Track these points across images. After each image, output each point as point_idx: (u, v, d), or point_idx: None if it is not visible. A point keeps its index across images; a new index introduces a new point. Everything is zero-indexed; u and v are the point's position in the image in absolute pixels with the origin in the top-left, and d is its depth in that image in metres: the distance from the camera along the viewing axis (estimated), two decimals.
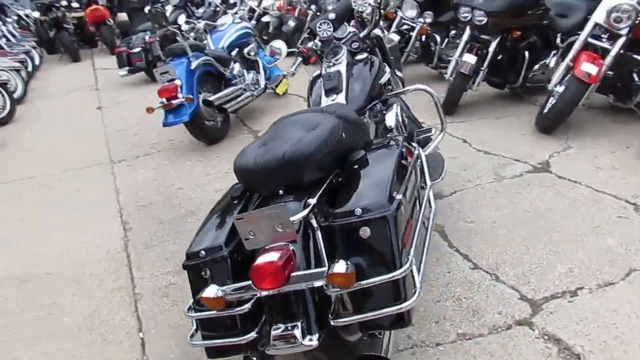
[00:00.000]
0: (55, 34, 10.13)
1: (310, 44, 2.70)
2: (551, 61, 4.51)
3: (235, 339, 1.60)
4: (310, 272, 1.49)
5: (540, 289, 2.26)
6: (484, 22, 4.36)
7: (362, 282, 1.46)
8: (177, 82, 4.12)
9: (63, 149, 4.96)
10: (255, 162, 1.68)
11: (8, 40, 8.72)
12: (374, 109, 2.60)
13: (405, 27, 5.71)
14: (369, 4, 2.71)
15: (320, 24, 2.66)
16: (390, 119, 2.50)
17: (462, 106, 4.74)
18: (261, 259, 1.50)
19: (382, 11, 2.84)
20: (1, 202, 3.91)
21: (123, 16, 11.22)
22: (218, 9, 11.62)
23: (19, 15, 11.75)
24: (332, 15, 2.73)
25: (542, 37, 4.64)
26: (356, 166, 1.75)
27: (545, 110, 3.93)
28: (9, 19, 9.72)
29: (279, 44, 3.05)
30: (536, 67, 4.61)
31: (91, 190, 3.89)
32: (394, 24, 5.72)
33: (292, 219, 1.54)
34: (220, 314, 1.60)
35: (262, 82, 5.10)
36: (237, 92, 4.61)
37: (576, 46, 3.82)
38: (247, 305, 1.58)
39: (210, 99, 4.22)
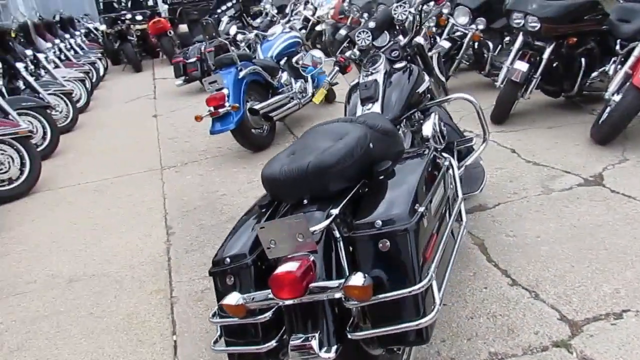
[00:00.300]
0: (120, 45, 10.67)
1: (348, 53, 2.70)
2: (610, 69, 4.27)
3: (255, 347, 1.62)
4: (328, 284, 1.48)
5: (582, 309, 2.13)
6: (537, 29, 4.21)
7: (380, 296, 1.43)
8: (225, 91, 4.22)
9: (118, 155, 5.20)
10: (280, 172, 1.69)
11: (76, 52, 9.26)
12: (411, 118, 2.56)
13: (457, 34, 5.62)
14: (410, 13, 2.68)
15: (359, 32, 2.66)
16: (427, 129, 2.45)
17: (514, 115, 4.59)
18: (280, 269, 1.51)
19: (422, 19, 2.80)
20: (57, 205, 4.13)
21: (184, 28, 11.69)
22: (275, 19, 11.89)
23: (88, 29, 12.48)
24: (372, 24, 2.72)
25: (600, 44, 4.41)
26: (381, 177, 1.73)
27: (601, 120, 3.74)
28: (77, 32, 10.32)
29: (318, 53, 3.07)
30: (594, 74, 4.39)
31: (140, 195, 4.04)
32: (446, 31, 5.63)
33: (312, 229, 1.54)
34: (242, 321, 1.62)
35: (310, 90, 5.14)
36: (283, 101, 4.67)
37: (636, 53, 3.62)
38: (268, 314, 1.59)
39: (256, 107, 4.30)
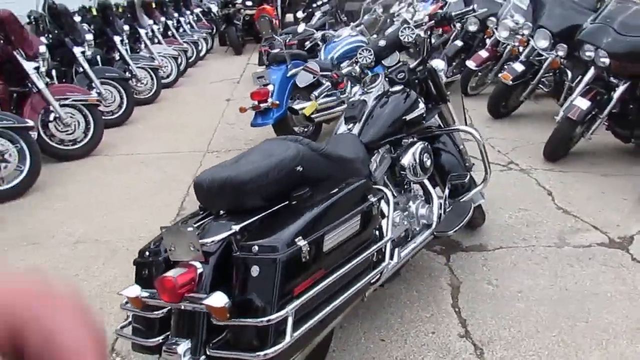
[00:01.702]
0: (225, 28, 11.26)
1: (346, 70, 2.66)
2: None
3: (144, 339, 1.70)
4: (198, 297, 1.52)
5: None
6: (607, 65, 3.82)
7: (234, 320, 1.44)
8: (270, 87, 4.34)
9: (178, 133, 5.55)
10: (204, 180, 1.74)
11: (184, 30, 9.92)
12: (399, 145, 2.47)
13: (537, 57, 5.24)
14: (417, 35, 2.58)
15: (362, 50, 2.61)
16: (405, 158, 2.36)
17: (572, 154, 4.22)
18: (167, 273, 1.58)
19: (432, 43, 2.68)
20: (105, 171, 4.53)
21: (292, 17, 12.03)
22: (380, 18, 11.81)
23: (209, 9, 13.28)
24: (382, 43, 2.65)
25: None
26: (295, 202, 1.72)
27: None
28: (188, 12, 11.03)
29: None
30: None
31: (174, 174, 4.30)
32: (524, 53, 5.28)
33: (202, 241, 1.59)
34: (141, 313, 1.71)
35: None
36: (329, 104, 4.69)
37: None
38: (160, 312, 1.67)
39: (296, 107, 4.36)
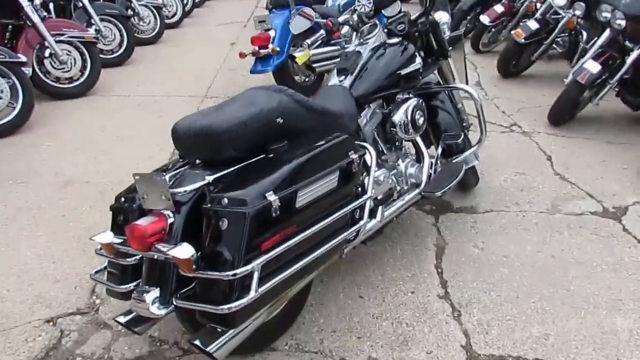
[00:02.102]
0: None
1: (343, 18, 2.54)
2: None
3: (116, 286, 1.69)
4: (166, 247, 1.49)
5: (494, 345, 1.95)
6: (622, 27, 3.64)
7: (200, 272, 1.42)
8: (272, 32, 4.19)
9: (177, 76, 5.44)
10: (181, 128, 1.68)
11: None
12: (393, 100, 2.38)
13: (554, 16, 5.02)
14: None
15: None
16: (397, 115, 2.28)
17: (579, 120, 4.11)
18: (138, 220, 1.55)
19: None
20: (100, 111, 4.46)
21: None
22: None
23: None
24: None
25: None
26: (271, 155, 1.66)
27: None
28: None
29: None
30: None
31: (170, 117, 4.22)
32: (540, 10, 5.05)
33: (173, 191, 1.55)
34: (114, 260, 1.70)
35: None
36: (332, 53, 4.53)
37: None
38: (132, 259, 1.66)
39: (296, 54, 4.22)
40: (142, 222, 1.53)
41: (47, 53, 4.47)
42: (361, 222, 1.82)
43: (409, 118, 2.28)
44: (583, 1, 4.67)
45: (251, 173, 1.59)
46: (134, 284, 1.67)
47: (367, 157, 1.93)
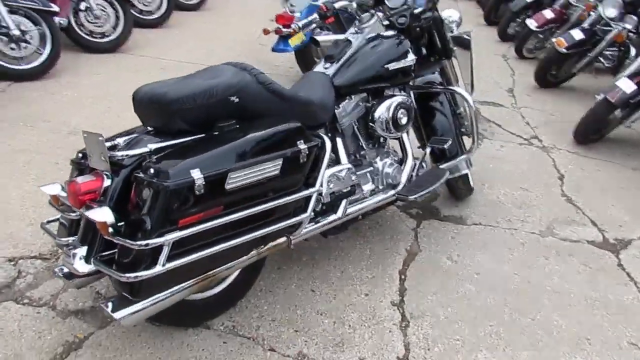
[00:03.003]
0: None
1: (339, 4, 2.43)
2: None
3: (58, 238, 1.71)
4: (92, 208, 1.48)
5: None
6: None
7: (116, 237, 1.40)
8: (297, 13, 4.12)
9: (209, 45, 5.45)
10: (138, 93, 1.66)
11: None
12: (379, 94, 2.27)
13: (604, 27, 4.69)
14: None
15: None
16: (378, 110, 2.18)
17: (608, 140, 3.86)
18: (77, 177, 1.55)
19: None
20: (124, 69, 4.52)
21: None
22: None
23: None
24: None
25: None
26: (216, 133, 1.62)
27: None
28: None
29: None
30: None
31: None
32: (588, 20, 4.74)
33: (111, 154, 1.54)
34: (60, 211, 1.72)
35: None
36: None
37: None
38: (74, 214, 1.66)
39: (318, 38, 4.12)
40: (80, 179, 1.53)
41: (82, 6, 4.57)
42: (303, 215, 1.75)
43: (391, 115, 2.18)
44: (635, 14, 4.36)
45: (191, 148, 1.55)
46: (72, 239, 1.68)
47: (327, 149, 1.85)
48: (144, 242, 1.36)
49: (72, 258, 1.55)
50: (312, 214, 1.83)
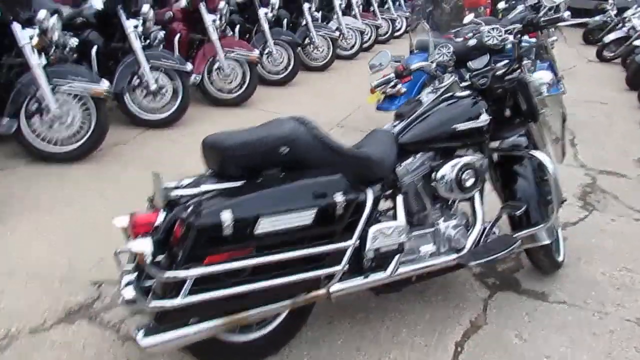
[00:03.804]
0: (432, 9, 11.01)
1: (417, 64, 2.47)
2: None
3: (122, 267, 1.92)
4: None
5: None
6: None
7: (149, 266, 1.56)
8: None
9: (326, 101, 5.80)
10: (206, 140, 1.84)
11: (388, 7, 10.06)
12: (450, 154, 2.24)
13: None
14: (504, 38, 2.27)
15: (442, 46, 2.40)
16: (441, 170, 2.14)
17: None
18: (137, 212, 1.77)
19: (520, 51, 2.30)
20: (238, 120, 4.91)
21: None
22: (612, 20, 10.39)
23: None
24: (472, 42, 2.41)
25: None
26: (260, 179, 1.73)
27: None
28: None
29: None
30: None
31: None
32: None
33: (168, 192, 1.72)
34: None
35: None
36: None
37: None
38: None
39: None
40: (139, 214, 1.74)
41: (216, 65, 5.17)
42: (336, 267, 1.77)
43: (454, 176, 2.13)
44: None
45: (233, 192, 1.68)
46: (131, 266, 1.88)
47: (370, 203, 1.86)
48: (167, 274, 1.49)
49: (121, 282, 1.74)
50: (348, 267, 1.83)
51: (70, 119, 3.65)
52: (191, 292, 1.52)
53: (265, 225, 1.60)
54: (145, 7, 4.38)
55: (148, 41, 4.82)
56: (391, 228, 1.96)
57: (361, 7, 8.91)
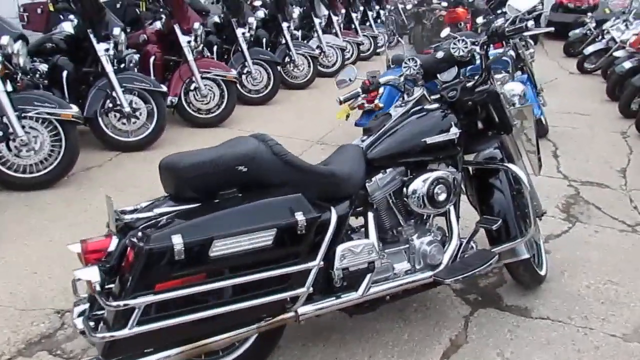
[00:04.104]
0: (413, 26, 11.09)
1: (384, 78, 2.42)
2: None
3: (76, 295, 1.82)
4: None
5: None
6: None
7: (98, 295, 1.46)
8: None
9: (308, 119, 5.73)
10: (162, 161, 1.74)
11: (370, 24, 10.13)
12: (422, 169, 2.16)
13: None
14: (470, 49, 2.22)
15: (409, 59, 2.34)
16: (412, 184, 2.07)
17: None
18: (89, 238, 1.67)
19: (487, 63, 2.26)
20: (216, 140, 4.87)
21: None
22: (590, 33, 10.53)
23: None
24: (440, 54, 2.35)
25: None
26: (216, 201, 1.65)
27: None
28: (377, 7, 11.18)
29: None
30: None
31: None
32: None
33: (122, 217, 1.63)
34: None
35: None
36: None
37: None
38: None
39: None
40: (90, 240, 1.64)
41: (192, 86, 5.11)
42: (299, 290, 1.67)
43: (426, 190, 2.05)
44: None
45: (186, 215, 1.59)
46: (84, 296, 1.78)
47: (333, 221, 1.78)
48: (114, 303, 1.39)
49: (73, 314, 1.63)
50: (318, 287, 1.74)
51: (38, 145, 3.55)
52: (140, 321, 1.42)
53: (221, 248, 1.51)
54: (116, 30, 4.33)
55: (123, 64, 4.77)
56: (360, 246, 1.88)
57: (342, 25, 8.95)
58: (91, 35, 4.19)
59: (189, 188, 1.67)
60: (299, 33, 7.78)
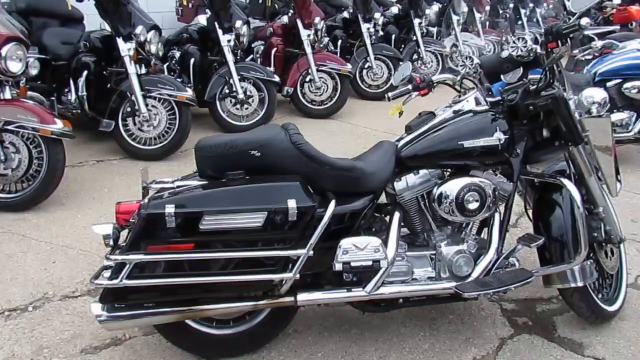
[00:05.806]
0: None
1: (439, 76, 2.30)
2: None
3: None
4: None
5: None
6: None
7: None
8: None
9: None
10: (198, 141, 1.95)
11: (522, 24, 9.42)
12: (463, 173, 2.05)
13: None
14: (530, 49, 2.03)
15: (466, 58, 2.21)
16: (441, 188, 1.97)
17: None
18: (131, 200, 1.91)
19: (549, 64, 2.01)
20: (322, 132, 5.02)
21: None
22: None
23: None
24: (504, 54, 2.19)
25: None
26: (224, 180, 1.76)
27: None
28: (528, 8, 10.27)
29: None
30: None
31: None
32: None
33: (149, 185, 1.86)
34: None
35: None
36: None
37: None
38: None
39: None
40: (125, 202, 1.88)
41: (308, 78, 5.33)
42: (285, 274, 1.72)
43: (454, 196, 1.94)
44: None
45: (190, 189, 1.75)
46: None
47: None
48: (112, 257, 1.60)
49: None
50: (299, 276, 1.75)
51: (157, 122, 4.05)
52: (130, 276, 1.61)
53: (210, 222, 1.63)
54: (238, 23, 4.70)
55: (251, 55, 5.16)
56: (365, 243, 1.85)
57: (486, 23, 8.50)
58: (217, 27, 4.63)
59: (207, 166, 1.83)
60: (434, 30, 7.58)
